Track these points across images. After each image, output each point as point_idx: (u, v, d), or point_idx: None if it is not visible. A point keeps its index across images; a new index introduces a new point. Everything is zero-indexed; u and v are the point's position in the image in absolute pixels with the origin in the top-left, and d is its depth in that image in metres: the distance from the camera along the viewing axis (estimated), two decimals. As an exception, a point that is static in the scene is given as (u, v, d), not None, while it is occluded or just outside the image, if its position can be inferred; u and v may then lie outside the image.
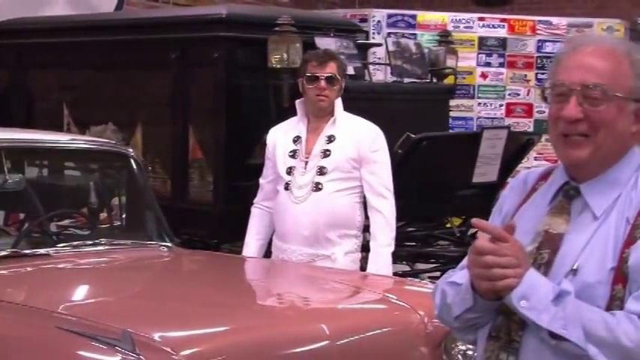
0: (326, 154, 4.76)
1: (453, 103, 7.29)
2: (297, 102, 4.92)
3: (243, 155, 5.75)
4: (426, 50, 6.82)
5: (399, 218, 4.88)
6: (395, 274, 5.04)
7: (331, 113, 4.83)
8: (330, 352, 3.29)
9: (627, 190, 2.19)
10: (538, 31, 9.53)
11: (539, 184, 2.35)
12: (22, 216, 4.92)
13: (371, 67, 6.90)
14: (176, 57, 6.07)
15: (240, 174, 5.68)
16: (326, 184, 4.73)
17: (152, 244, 4.56)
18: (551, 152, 7.34)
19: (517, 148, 6.44)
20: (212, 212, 5.97)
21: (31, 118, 6.82)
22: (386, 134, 4.92)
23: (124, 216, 4.88)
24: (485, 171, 6.09)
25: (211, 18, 6.11)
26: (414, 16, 9.40)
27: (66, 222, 4.90)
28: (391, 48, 6.59)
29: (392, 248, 4.78)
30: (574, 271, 2.14)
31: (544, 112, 7.75)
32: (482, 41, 9.47)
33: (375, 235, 4.77)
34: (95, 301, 3.91)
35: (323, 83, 4.77)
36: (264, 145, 5.00)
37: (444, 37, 7.01)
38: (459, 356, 3.50)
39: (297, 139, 4.83)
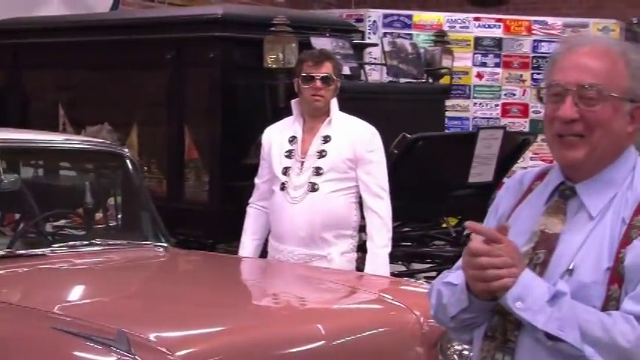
0: (322, 154, 4.76)
1: (448, 103, 7.29)
2: (293, 102, 4.92)
3: (239, 155, 5.74)
4: (421, 50, 6.82)
5: (394, 218, 4.88)
6: (391, 274, 5.04)
7: (327, 113, 4.83)
8: (326, 352, 3.28)
9: (623, 190, 2.20)
10: (534, 32, 9.54)
11: (535, 184, 2.35)
12: (17, 216, 4.91)
13: (367, 67, 6.91)
14: (172, 57, 6.06)
15: (236, 174, 5.68)
16: (322, 184, 4.73)
17: (148, 244, 4.56)
18: (546, 152, 7.35)
19: (513, 148, 6.44)
20: (208, 212, 5.97)
21: (26, 118, 6.81)
22: (382, 134, 4.92)
23: (119, 216, 4.88)
24: (481, 171, 6.10)
25: (207, 18, 6.11)
26: (409, 16, 9.41)
27: (61, 222, 4.90)
28: (387, 48, 6.59)
29: (389, 249, 4.78)
30: (570, 271, 2.14)
31: (540, 112, 7.77)
32: (478, 41, 9.48)
33: (371, 237, 4.77)
34: (91, 301, 3.91)
35: (319, 83, 4.77)
36: (260, 145, 5.00)
37: (440, 37, 7.01)
38: (455, 356, 3.50)
39: (292, 139, 4.83)
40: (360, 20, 8.88)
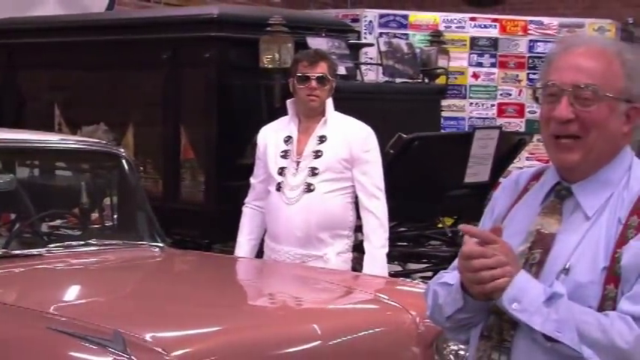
0: (317, 154, 4.76)
1: (444, 103, 7.29)
2: (288, 102, 4.92)
3: (235, 155, 5.74)
4: (417, 50, 6.82)
5: (390, 218, 4.88)
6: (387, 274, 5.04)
7: (322, 113, 4.83)
8: (322, 352, 3.28)
9: (619, 190, 2.20)
10: (529, 32, 9.55)
11: (531, 185, 2.35)
12: (13, 216, 4.90)
13: (363, 67, 6.90)
14: (168, 57, 6.06)
15: (232, 174, 5.68)
16: (318, 185, 4.73)
17: (144, 244, 4.55)
18: (542, 152, 7.35)
19: (509, 148, 6.45)
20: (204, 212, 5.96)
21: (22, 118, 6.80)
22: (378, 134, 4.92)
23: (115, 216, 4.87)
24: (477, 171, 6.10)
25: (203, 18, 6.11)
26: (405, 16, 9.41)
27: (57, 222, 4.89)
28: (383, 48, 6.59)
29: (386, 249, 4.79)
30: (566, 271, 2.15)
31: (536, 112, 7.77)
32: (474, 41, 9.49)
33: (368, 237, 4.77)
34: (86, 301, 3.91)
35: (314, 83, 4.77)
36: (256, 145, 5.00)
37: (436, 37, 7.01)
38: (451, 356, 3.50)
39: (288, 140, 4.82)
40: (356, 20, 8.88)
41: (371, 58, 7.51)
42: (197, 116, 6.09)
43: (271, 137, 4.88)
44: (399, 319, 3.55)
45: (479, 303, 2.20)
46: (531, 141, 6.95)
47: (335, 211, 4.75)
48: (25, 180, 5.05)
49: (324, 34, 6.13)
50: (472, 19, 9.54)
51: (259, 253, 4.96)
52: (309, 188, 4.72)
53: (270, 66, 5.66)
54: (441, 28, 8.89)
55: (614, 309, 2.10)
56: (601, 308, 2.11)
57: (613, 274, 2.11)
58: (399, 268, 6.12)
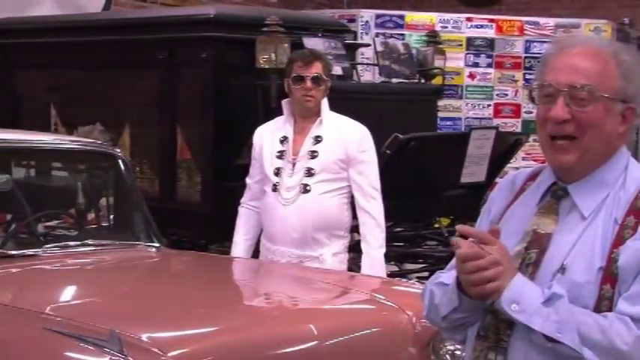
0: (313, 155, 4.76)
1: (441, 103, 7.29)
2: (284, 102, 4.92)
3: (232, 155, 5.74)
4: (414, 50, 6.83)
5: (387, 218, 4.88)
6: (384, 274, 5.04)
7: (318, 113, 4.83)
8: (319, 352, 3.29)
9: (615, 190, 2.20)
10: (526, 32, 9.55)
11: (527, 185, 2.36)
12: (9, 217, 4.90)
13: (359, 67, 6.91)
14: (164, 57, 6.06)
15: (229, 174, 5.68)
16: (314, 185, 4.73)
17: (140, 244, 4.55)
18: (539, 152, 7.34)
19: (505, 149, 6.45)
20: (200, 212, 5.96)
21: (18, 119, 6.79)
22: (374, 134, 4.92)
23: (111, 216, 4.87)
24: (473, 171, 6.10)
25: (199, 18, 6.10)
26: (402, 17, 9.41)
27: (53, 222, 4.88)
28: (379, 48, 6.60)
29: (384, 250, 4.79)
30: (562, 270, 2.15)
31: (532, 112, 7.78)
32: (470, 42, 9.48)
33: (366, 238, 4.77)
34: (83, 301, 3.90)
35: (309, 83, 4.76)
36: (252, 145, 4.99)
37: (432, 38, 7.01)
38: (447, 356, 3.50)
39: (284, 140, 4.82)
40: (352, 20, 8.87)
41: (367, 59, 7.51)
42: (193, 116, 6.09)
43: (267, 137, 4.88)
44: (396, 320, 3.55)
45: (474, 303, 2.21)
46: (527, 141, 6.95)
47: (331, 211, 4.75)
48: (22, 180, 5.05)
49: (320, 35, 6.14)
50: (468, 19, 9.54)
51: (255, 253, 4.96)
52: (305, 189, 4.72)
53: (266, 66, 5.66)
54: (438, 28, 8.89)
55: (610, 309, 2.10)
56: (597, 308, 2.11)
57: (609, 275, 2.12)
58: (396, 269, 6.13)
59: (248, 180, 4.96)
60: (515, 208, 2.33)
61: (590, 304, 2.11)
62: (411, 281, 4.88)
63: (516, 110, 9.50)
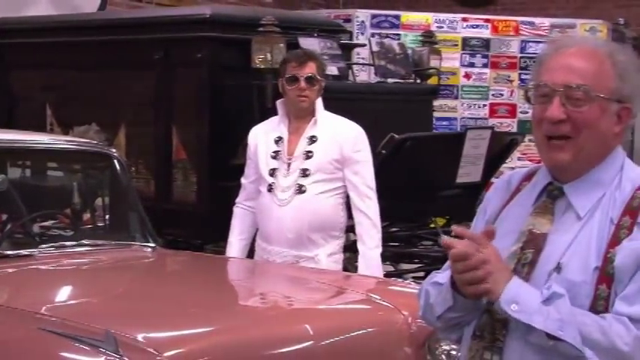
0: (308, 155, 4.75)
1: (436, 103, 7.30)
2: (278, 102, 4.91)
3: (227, 155, 5.74)
4: (409, 51, 6.83)
5: (382, 218, 4.88)
6: (380, 274, 5.04)
7: (312, 113, 4.83)
8: (314, 352, 3.29)
9: (611, 190, 2.20)
10: (521, 32, 9.55)
11: (523, 185, 2.36)
12: (4, 217, 4.89)
13: (355, 67, 6.91)
14: (159, 57, 6.06)
15: (224, 174, 5.68)
16: (309, 186, 4.72)
17: (136, 244, 4.55)
18: (534, 152, 7.36)
19: (501, 149, 6.46)
20: (196, 212, 5.96)
21: (13, 119, 6.79)
22: (370, 134, 4.92)
23: (107, 217, 4.87)
24: (469, 171, 6.10)
25: (195, 18, 6.10)
26: (397, 17, 9.41)
27: (49, 223, 4.88)
28: (375, 48, 6.60)
29: (380, 249, 4.79)
30: (558, 269, 2.15)
31: (527, 112, 7.77)
32: (466, 42, 9.49)
33: (362, 238, 4.77)
34: (78, 302, 3.90)
35: (303, 84, 4.76)
36: (247, 145, 4.99)
37: (428, 38, 7.01)
38: (443, 356, 3.50)
39: (279, 140, 4.82)
40: (348, 20, 8.87)
41: (363, 59, 7.51)
42: (189, 116, 6.09)
43: (262, 138, 4.88)
44: (391, 320, 3.55)
45: (469, 302, 2.21)
46: (523, 141, 6.96)
47: (326, 212, 4.75)
48: (17, 180, 5.04)
49: (316, 35, 6.14)
50: (464, 19, 9.54)
51: (250, 253, 4.96)
52: (300, 189, 4.72)
53: (262, 66, 5.66)
54: (433, 28, 8.89)
55: (606, 309, 2.11)
56: (593, 308, 2.11)
57: (605, 275, 2.12)
58: (391, 268, 6.12)
59: (243, 180, 4.96)
60: (511, 208, 2.33)
61: (586, 303, 2.12)
62: (407, 281, 4.87)
63: (512, 110, 9.51)
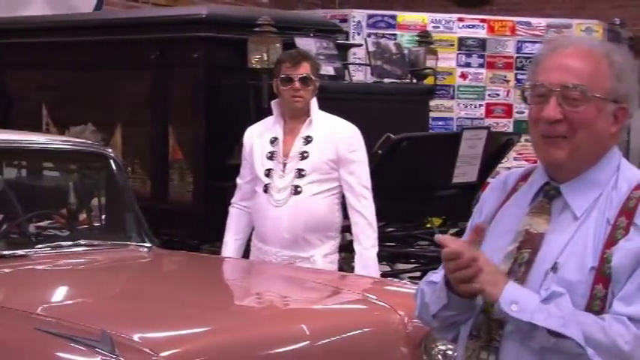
0: (304, 155, 4.75)
1: (432, 103, 7.30)
2: (273, 103, 4.91)
3: (223, 155, 5.73)
4: (405, 51, 6.83)
5: (379, 218, 4.88)
6: (376, 274, 5.04)
7: (307, 113, 4.82)
8: (311, 352, 3.28)
9: (608, 190, 2.21)
10: (517, 32, 9.56)
11: (519, 185, 2.36)
12: (0, 217, 4.88)
13: (351, 67, 6.91)
14: (156, 57, 6.05)
15: (221, 174, 5.67)
16: (305, 187, 4.72)
17: (132, 244, 4.54)
18: (530, 152, 7.37)
19: (497, 149, 6.46)
20: (192, 212, 5.96)
21: (9, 119, 6.78)
22: (366, 135, 4.92)
23: (103, 217, 4.86)
24: (465, 171, 6.11)
25: (191, 18, 6.10)
26: (393, 17, 9.41)
27: (45, 223, 4.87)
28: (371, 48, 6.60)
29: (376, 249, 4.79)
30: (554, 269, 2.15)
31: (523, 112, 7.79)
32: (462, 42, 9.49)
33: (358, 238, 4.77)
34: (74, 302, 3.90)
35: (297, 84, 4.75)
36: (242, 145, 4.99)
37: (424, 38, 7.02)
38: (439, 356, 3.50)
39: (274, 141, 4.81)
40: (344, 20, 8.87)
41: (359, 59, 7.51)
42: (185, 116, 6.09)
43: (257, 138, 4.87)
44: (388, 319, 3.55)
45: (463, 300, 2.22)
46: (519, 141, 6.97)
47: (322, 213, 4.75)
48: (13, 180, 5.04)
49: (312, 35, 6.14)
50: (460, 19, 9.55)
51: (245, 253, 4.96)
52: (296, 190, 4.72)
53: (258, 66, 5.66)
54: (429, 28, 8.89)
55: (602, 309, 2.11)
56: (589, 307, 2.12)
57: (602, 275, 2.12)
58: (388, 268, 6.13)
59: (239, 180, 4.96)
60: (507, 208, 2.33)
61: (582, 303, 2.12)
62: (403, 281, 4.87)
63: (508, 110, 9.51)
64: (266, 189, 4.76)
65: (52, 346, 2.98)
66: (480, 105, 9.52)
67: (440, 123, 9.16)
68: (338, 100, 5.37)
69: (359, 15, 9.25)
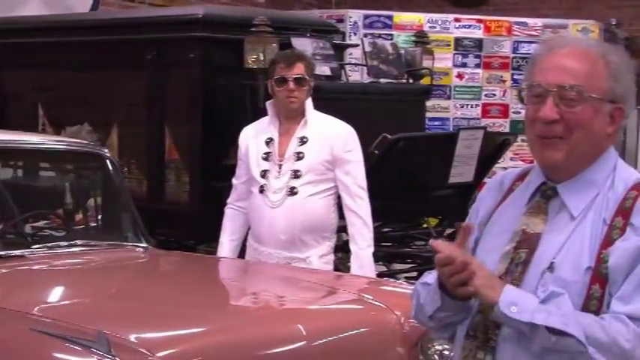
0: (299, 156, 4.74)
1: (429, 103, 7.30)
2: (268, 103, 4.90)
3: (220, 156, 5.73)
4: (402, 51, 6.83)
5: (375, 219, 4.88)
6: (372, 274, 5.04)
7: (302, 114, 4.81)
8: (307, 352, 3.28)
9: (604, 190, 2.21)
10: (514, 32, 9.57)
11: (515, 185, 2.36)
12: (-4, 217, 4.88)
13: (347, 67, 6.91)
14: (152, 57, 6.05)
15: (217, 174, 5.67)
16: (301, 187, 4.71)
17: (128, 245, 4.54)
18: (527, 152, 7.38)
19: (493, 149, 6.46)
20: (188, 213, 5.96)
21: (5, 119, 6.77)
22: (362, 135, 4.92)
23: (99, 217, 4.86)
24: (461, 171, 6.11)
25: (187, 18, 6.10)
26: (390, 17, 9.41)
27: (41, 223, 4.87)
28: (367, 49, 6.60)
29: (372, 249, 4.78)
30: (551, 268, 2.15)
31: (520, 112, 7.79)
32: (458, 42, 9.50)
33: (354, 238, 4.77)
34: (70, 302, 3.89)
35: (292, 85, 4.73)
36: (238, 145, 4.98)
37: (420, 38, 7.02)
38: (436, 356, 3.50)
39: (269, 141, 4.81)
40: (340, 21, 8.88)
41: (356, 59, 7.51)
42: (182, 117, 6.08)
43: (252, 139, 4.87)
44: (384, 319, 3.55)
45: (457, 302, 2.22)
46: (515, 141, 6.97)
47: (318, 214, 4.74)
48: (9, 181, 5.03)
49: (308, 35, 6.14)
50: (456, 19, 9.56)
51: (241, 254, 4.95)
52: (292, 191, 4.71)
53: (254, 66, 5.66)
54: (426, 28, 8.90)
55: (598, 309, 2.11)
56: (585, 307, 2.12)
57: (598, 275, 2.12)
58: (384, 269, 6.13)
59: (234, 181, 4.95)
60: (504, 208, 2.33)
61: (578, 303, 2.12)
62: (399, 281, 4.87)
63: (504, 110, 9.52)
64: (262, 190, 4.76)
65: (48, 346, 2.98)
66: (477, 105, 9.53)
67: (436, 123, 9.16)
68: (334, 100, 5.37)
69: (355, 15, 9.26)
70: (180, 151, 6.08)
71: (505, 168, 6.13)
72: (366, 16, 9.32)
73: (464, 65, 9.50)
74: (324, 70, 5.97)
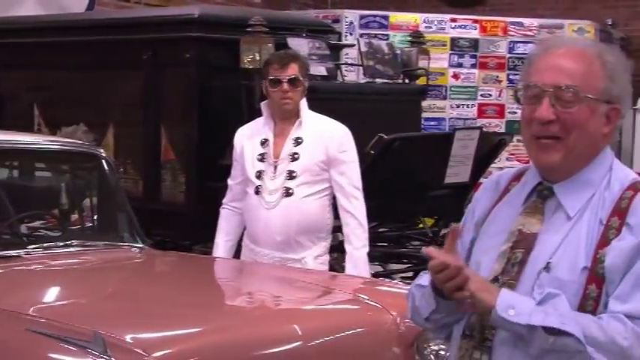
0: (294, 157, 4.73)
1: (425, 103, 7.30)
2: (263, 104, 4.89)
3: (216, 156, 5.72)
4: (398, 51, 6.83)
5: (371, 219, 4.88)
6: (368, 274, 5.04)
7: (297, 115, 4.80)
8: (303, 352, 3.28)
9: (600, 190, 2.21)
10: (510, 32, 9.57)
11: (512, 185, 2.36)
12: (-8, 217, 4.88)
13: (343, 67, 6.91)
14: (148, 57, 6.05)
15: (213, 175, 5.66)
16: (296, 188, 4.71)
17: (124, 245, 4.54)
18: (523, 152, 7.38)
19: (489, 149, 6.47)
20: (184, 213, 5.95)
21: (0, 119, 6.76)
22: (358, 135, 4.92)
23: (95, 217, 4.85)
24: (457, 171, 6.11)
25: (183, 18, 6.10)
26: (386, 17, 9.42)
27: (37, 223, 4.86)
28: (363, 49, 6.60)
29: (367, 249, 4.78)
30: (547, 268, 2.15)
31: (516, 112, 7.80)
32: (454, 42, 9.50)
33: (349, 239, 4.76)
34: (66, 302, 3.89)
35: (286, 86, 4.72)
36: (233, 146, 4.98)
37: (416, 38, 7.02)
38: (432, 356, 3.50)
39: (264, 142, 4.80)
40: (336, 21, 8.88)
41: (352, 59, 7.50)
42: (178, 117, 6.08)
43: (247, 139, 4.86)
44: (380, 320, 3.55)
45: (451, 304, 2.23)
46: (511, 141, 6.97)
47: (314, 215, 4.73)
48: (4, 181, 5.03)
49: (304, 35, 6.13)
50: (452, 19, 9.56)
51: (236, 254, 4.95)
52: (287, 192, 4.71)
53: (250, 66, 5.66)
54: (422, 28, 8.90)
55: (595, 309, 2.11)
56: (581, 307, 2.12)
57: (595, 275, 2.12)
58: (380, 269, 6.14)
59: (230, 181, 4.95)
60: (500, 208, 2.33)
61: (575, 303, 2.12)
62: (395, 281, 4.87)
63: (500, 110, 9.53)
64: (257, 191, 4.75)
65: (43, 346, 2.98)
66: (473, 105, 9.53)
67: (432, 123, 9.17)
68: (330, 100, 5.36)
69: (351, 15, 9.26)
70: (176, 151, 6.08)
71: (501, 168, 6.12)
72: (362, 17, 9.32)
73: (460, 65, 9.51)
74: (320, 70, 5.96)
